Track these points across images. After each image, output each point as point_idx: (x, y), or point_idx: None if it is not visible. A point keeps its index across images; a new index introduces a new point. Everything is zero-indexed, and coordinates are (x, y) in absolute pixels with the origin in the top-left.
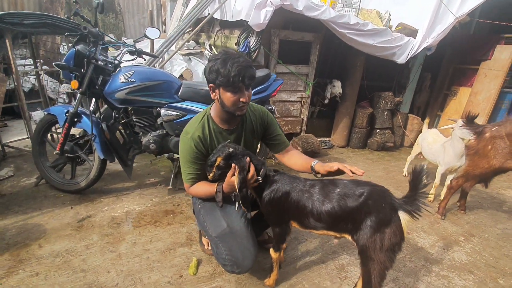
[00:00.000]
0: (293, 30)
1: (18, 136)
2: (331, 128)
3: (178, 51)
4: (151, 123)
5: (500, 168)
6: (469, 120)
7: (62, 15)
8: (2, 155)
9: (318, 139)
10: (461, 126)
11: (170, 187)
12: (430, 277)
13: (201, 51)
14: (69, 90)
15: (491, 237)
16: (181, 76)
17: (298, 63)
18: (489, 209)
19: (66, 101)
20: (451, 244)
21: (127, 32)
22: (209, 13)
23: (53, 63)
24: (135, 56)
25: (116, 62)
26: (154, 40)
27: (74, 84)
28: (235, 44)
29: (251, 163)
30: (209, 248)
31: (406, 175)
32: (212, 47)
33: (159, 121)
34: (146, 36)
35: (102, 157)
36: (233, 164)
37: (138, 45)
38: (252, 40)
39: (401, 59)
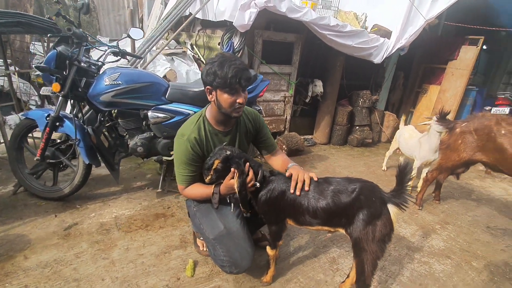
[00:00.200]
0: (274, 31)
1: None
2: (313, 126)
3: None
4: (138, 125)
5: (469, 160)
6: (442, 117)
7: (31, 12)
8: None
9: (302, 137)
10: (435, 122)
11: (159, 190)
12: (413, 264)
13: (184, 51)
14: (50, 93)
15: (464, 224)
16: (164, 76)
17: (281, 63)
18: (460, 198)
19: (39, 103)
20: (429, 232)
21: (102, 30)
22: (190, 13)
23: (33, 66)
24: (119, 57)
25: (100, 63)
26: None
27: (56, 87)
28: (218, 44)
29: (250, 167)
30: (205, 249)
31: (385, 169)
32: (194, 46)
33: (146, 123)
34: (129, 36)
35: (87, 162)
36: (232, 168)
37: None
38: (236, 41)
39: (377, 59)
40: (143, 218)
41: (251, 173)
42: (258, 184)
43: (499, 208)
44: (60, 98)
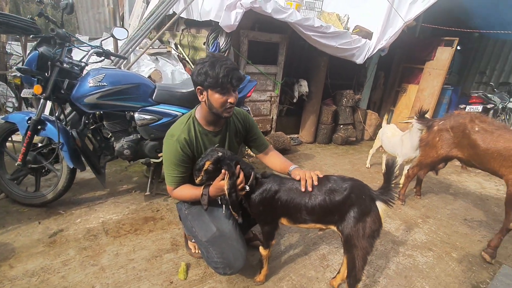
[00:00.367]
0: (259, 31)
1: None
2: (299, 125)
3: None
4: (124, 127)
5: (447, 156)
6: (421, 115)
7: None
8: None
9: (288, 136)
10: (416, 121)
11: (147, 193)
12: (398, 257)
13: (168, 51)
14: (31, 96)
15: (443, 217)
16: (149, 77)
17: (267, 64)
18: (439, 193)
19: (16, 105)
20: (412, 226)
21: (81, 28)
22: (174, 12)
23: (14, 67)
24: (103, 57)
25: (83, 64)
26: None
27: (37, 89)
28: (204, 44)
29: (241, 169)
30: (197, 251)
31: (369, 166)
32: (178, 46)
33: (132, 125)
34: (113, 36)
35: (72, 166)
36: (223, 170)
37: (96, 44)
38: (222, 41)
39: (360, 60)
40: (131, 222)
41: (241, 175)
42: (248, 188)
43: (475, 201)
44: (42, 100)
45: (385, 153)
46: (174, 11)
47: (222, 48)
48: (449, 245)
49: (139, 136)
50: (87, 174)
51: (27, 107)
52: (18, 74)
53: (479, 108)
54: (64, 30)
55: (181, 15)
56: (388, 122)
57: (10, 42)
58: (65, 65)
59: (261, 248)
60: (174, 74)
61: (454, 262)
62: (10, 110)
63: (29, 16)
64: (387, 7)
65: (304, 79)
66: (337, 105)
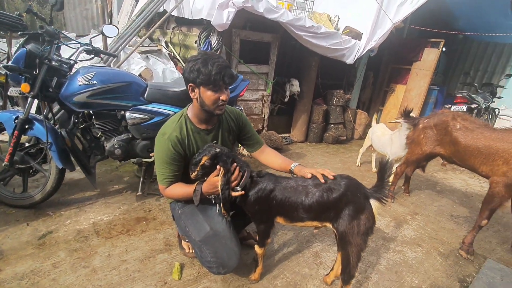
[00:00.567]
0: (250, 30)
1: None
2: (290, 124)
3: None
4: (114, 127)
5: (431, 153)
6: (406, 114)
7: None
8: None
9: (280, 136)
10: (402, 119)
11: (139, 193)
12: (389, 253)
13: (159, 49)
14: (18, 94)
15: (431, 213)
16: (140, 75)
17: (258, 63)
18: (426, 190)
19: (0, 104)
20: (401, 223)
21: (67, 25)
22: (165, 10)
23: (1, 65)
24: (92, 55)
25: (72, 62)
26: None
27: (25, 87)
28: (195, 43)
29: (237, 166)
30: (191, 251)
31: (359, 165)
32: (169, 44)
33: (123, 124)
34: (103, 33)
35: (60, 167)
36: (218, 166)
37: (85, 41)
38: (214, 40)
39: (350, 60)
40: (123, 222)
41: (236, 172)
42: (239, 189)
43: (460, 198)
44: (30, 99)
45: (374, 152)
46: (164, 9)
47: (214, 47)
48: (436, 241)
49: (130, 136)
50: (76, 174)
51: (12, 106)
52: (3, 71)
53: (464, 108)
54: (53, 27)
55: (172, 13)
56: (377, 122)
57: None
58: (53, 63)
59: (256, 247)
60: (165, 73)
61: (442, 257)
62: None
63: (17, 12)
64: (376, 9)
65: (295, 79)
66: (327, 105)
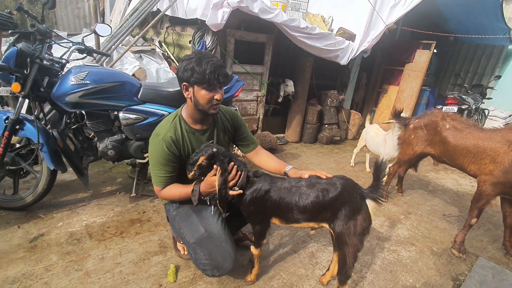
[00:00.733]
0: (245, 30)
1: None
2: (285, 125)
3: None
4: (108, 127)
5: (422, 153)
6: (397, 115)
7: None
8: None
9: (274, 136)
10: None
11: (132, 194)
12: (383, 253)
13: (153, 49)
14: (9, 94)
15: (424, 213)
16: (133, 75)
17: (253, 63)
18: (419, 189)
19: None
20: (395, 222)
21: (59, 24)
22: (159, 9)
23: None
24: (85, 54)
25: (64, 61)
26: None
27: (16, 87)
28: (189, 42)
29: (234, 166)
30: (186, 253)
31: (353, 165)
32: (163, 44)
33: (117, 125)
34: (95, 32)
35: (52, 168)
36: (215, 166)
37: (78, 40)
38: (208, 40)
39: (343, 61)
40: (117, 224)
41: (233, 171)
42: (237, 188)
43: (452, 198)
44: (20, 99)
45: (368, 152)
46: (158, 8)
47: (208, 47)
48: (430, 240)
49: (124, 136)
50: (68, 175)
51: (2, 106)
52: None
53: (455, 108)
54: (45, 25)
55: (166, 13)
56: (371, 122)
57: None
58: (45, 62)
59: (252, 248)
60: (159, 73)
61: (435, 256)
62: None
63: (7, 10)
64: (370, 10)
65: (290, 79)
66: (322, 105)
